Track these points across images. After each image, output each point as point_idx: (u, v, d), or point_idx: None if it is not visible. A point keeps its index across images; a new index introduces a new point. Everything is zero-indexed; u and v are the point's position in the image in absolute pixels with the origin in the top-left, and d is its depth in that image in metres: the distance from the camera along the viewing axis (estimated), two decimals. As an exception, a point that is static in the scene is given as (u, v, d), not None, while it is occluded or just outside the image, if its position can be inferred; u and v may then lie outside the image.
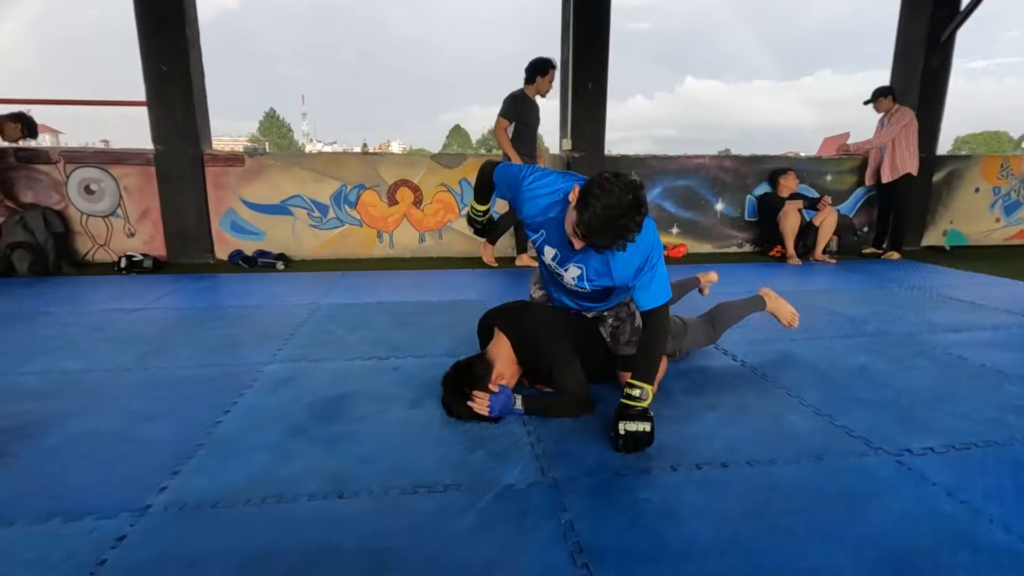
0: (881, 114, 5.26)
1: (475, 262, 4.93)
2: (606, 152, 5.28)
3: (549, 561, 1.23)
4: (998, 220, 6.19)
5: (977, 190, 6.05)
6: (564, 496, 1.47)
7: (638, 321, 1.95)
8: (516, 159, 4.31)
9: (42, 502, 1.43)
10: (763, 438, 1.77)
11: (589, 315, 2.09)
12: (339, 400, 2.04)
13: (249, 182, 4.89)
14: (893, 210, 5.37)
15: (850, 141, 5.69)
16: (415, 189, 5.08)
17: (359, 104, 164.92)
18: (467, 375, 1.86)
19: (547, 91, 4.50)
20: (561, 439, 1.77)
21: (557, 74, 4.50)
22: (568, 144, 5.14)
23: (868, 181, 5.57)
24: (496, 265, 4.76)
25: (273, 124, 61.81)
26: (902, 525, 1.34)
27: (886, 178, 5.23)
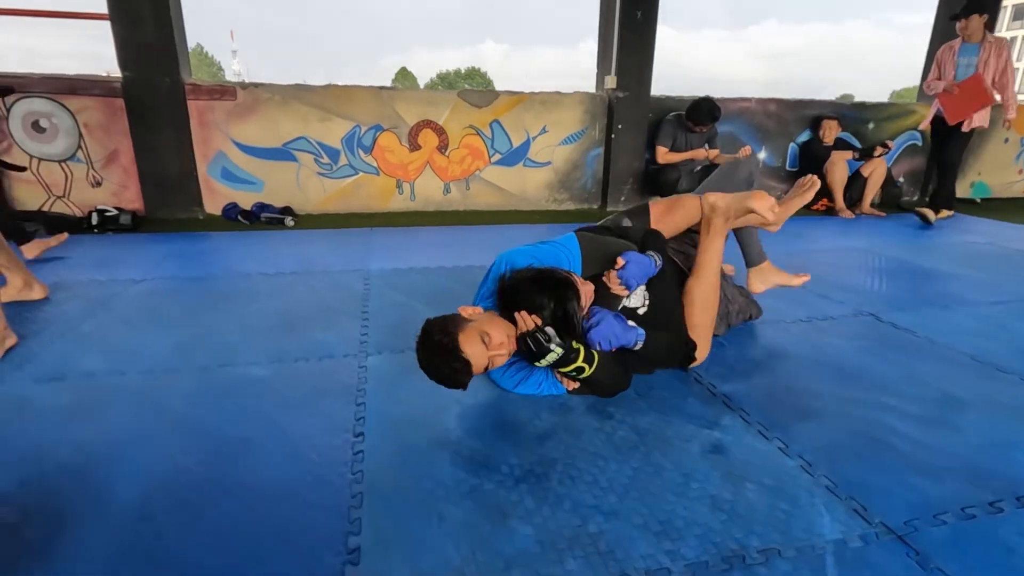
0: (955, 42, 4.35)
1: (505, 216, 4.35)
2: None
3: None
4: (1021, 171, 6.10)
5: (1007, 140, 5.90)
6: (927, 557, 1.04)
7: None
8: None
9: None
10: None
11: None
12: (499, 409, 1.53)
13: (242, 120, 4.06)
14: (947, 163, 4.61)
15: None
16: (440, 132, 4.39)
17: (295, 43, 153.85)
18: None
19: None
20: (834, 457, 1.33)
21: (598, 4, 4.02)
22: (612, 82, 4.54)
23: (923, 125, 4.81)
24: None
25: (202, 62, 56.67)
26: None
27: (965, 125, 4.42)
